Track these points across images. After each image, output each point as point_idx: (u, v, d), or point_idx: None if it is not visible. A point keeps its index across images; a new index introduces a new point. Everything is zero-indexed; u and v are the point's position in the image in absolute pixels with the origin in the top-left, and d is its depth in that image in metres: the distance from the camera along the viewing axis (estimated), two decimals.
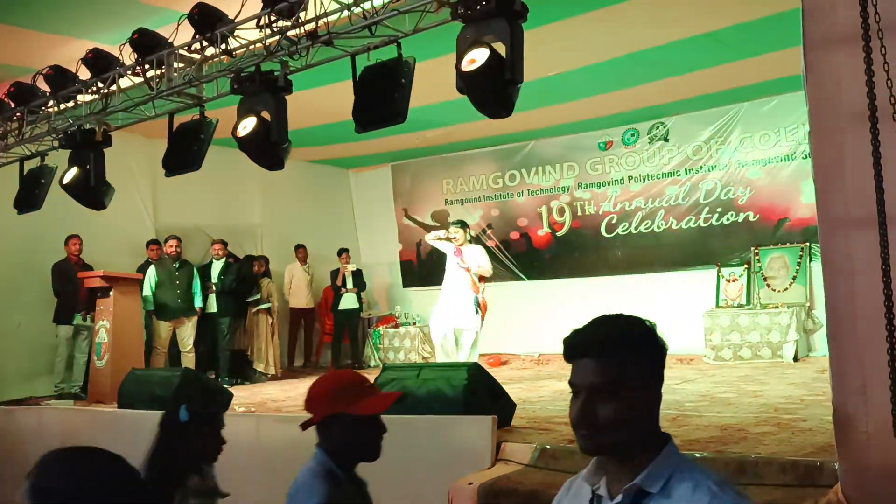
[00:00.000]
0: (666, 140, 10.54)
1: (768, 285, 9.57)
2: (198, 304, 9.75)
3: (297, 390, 9.02)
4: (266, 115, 5.33)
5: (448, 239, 8.48)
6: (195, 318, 9.72)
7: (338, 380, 2.54)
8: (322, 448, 2.40)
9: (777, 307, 9.21)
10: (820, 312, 9.20)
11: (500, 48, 4.21)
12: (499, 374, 7.68)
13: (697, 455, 4.18)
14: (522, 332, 10.85)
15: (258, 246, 11.51)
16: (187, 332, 9.64)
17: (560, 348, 1.66)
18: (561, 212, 11.47)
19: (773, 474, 3.95)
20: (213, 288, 9.97)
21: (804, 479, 3.87)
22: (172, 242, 9.67)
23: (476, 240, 10.23)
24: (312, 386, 2.49)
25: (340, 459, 2.38)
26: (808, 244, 9.41)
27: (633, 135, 10.79)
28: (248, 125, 5.28)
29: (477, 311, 8.03)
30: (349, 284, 11.50)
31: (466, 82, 4.22)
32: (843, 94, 3.78)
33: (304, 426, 2.43)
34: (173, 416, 3.26)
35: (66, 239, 8.98)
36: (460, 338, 8.17)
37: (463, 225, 8.70)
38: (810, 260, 9.38)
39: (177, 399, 6.87)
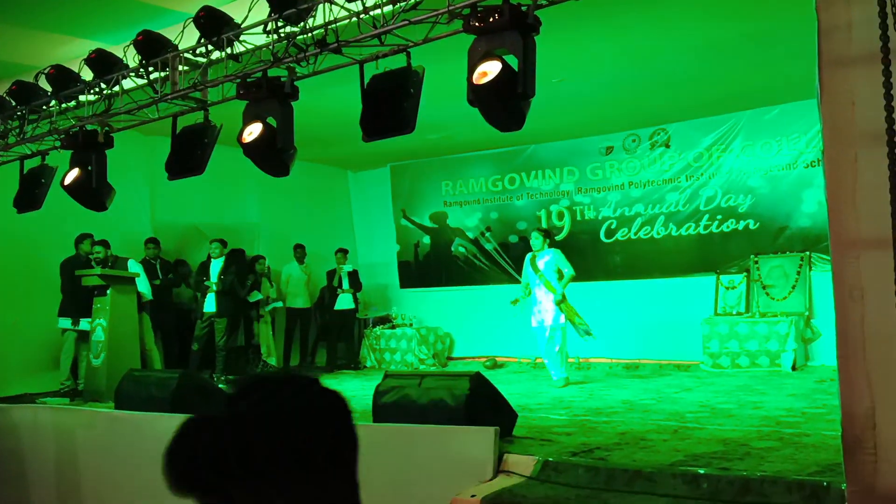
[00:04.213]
0: (667, 146, 10.52)
1: (767, 294, 9.55)
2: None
3: None
4: (272, 121, 5.28)
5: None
6: (144, 315, 9.12)
7: None
8: None
9: (776, 315, 9.20)
10: (819, 322, 9.19)
11: (512, 60, 4.18)
12: (495, 377, 7.67)
13: (702, 472, 4.17)
14: (519, 335, 10.82)
15: (256, 245, 11.45)
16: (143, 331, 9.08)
17: None
18: (560, 216, 11.44)
19: (780, 494, 3.94)
20: (211, 287, 9.85)
21: (810, 499, 3.85)
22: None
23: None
24: None
25: None
26: (807, 253, 9.39)
27: (634, 140, 10.76)
28: (253, 131, 5.22)
29: (557, 311, 8.46)
30: (345, 285, 11.46)
31: (478, 95, 4.17)
32: (858, 115, 3.78)
33: None
34: None
35: (79, 237, 8.90)
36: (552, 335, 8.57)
37: (541, 232, 9.01)
38: (810, 269, 9.37)
39: (174, 401, 6.87)
